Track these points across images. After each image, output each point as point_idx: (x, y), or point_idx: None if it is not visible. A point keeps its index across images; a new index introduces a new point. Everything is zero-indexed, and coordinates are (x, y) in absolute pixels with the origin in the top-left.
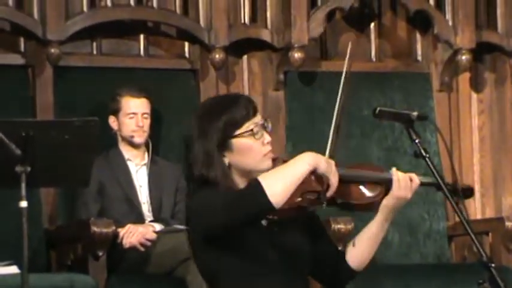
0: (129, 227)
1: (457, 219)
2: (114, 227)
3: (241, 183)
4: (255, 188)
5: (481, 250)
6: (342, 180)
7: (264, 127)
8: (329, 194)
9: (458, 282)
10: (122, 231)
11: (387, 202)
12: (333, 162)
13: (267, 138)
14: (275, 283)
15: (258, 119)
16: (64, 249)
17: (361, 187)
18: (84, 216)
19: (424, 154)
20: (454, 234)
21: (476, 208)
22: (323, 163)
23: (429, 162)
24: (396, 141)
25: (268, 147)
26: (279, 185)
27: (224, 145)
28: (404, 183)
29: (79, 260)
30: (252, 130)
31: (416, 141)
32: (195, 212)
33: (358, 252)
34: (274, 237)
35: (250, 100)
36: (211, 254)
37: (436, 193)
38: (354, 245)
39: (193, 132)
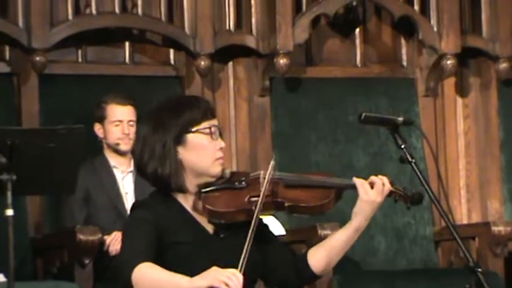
0: (115, 234)
1: (444, 224)
2: (100, 235)
3: (190, 183)
4: (128, 268)
5: (467, 255)
6: (291, 186)
7: (220, 132)
8: None
9: (445, 287)
10: (108, 239)
11: (358, 209)
12: (213, 269)
13: (222, 143)
14: None
15: (215, 122)
16: (50, 257)
17: (310, 191)
18: (70, 224)
19: (409, 159)
20: (440, 239)
21: (463, 213)
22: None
23: (415, 168)
24: (382, 147)
25: (221, 153)
26: (147, 284)
27: (180, 139)
28: (376, 186)
29: (65, 268)
30: (210, 129)
31: (402, 146)
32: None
33: (326, 258)
34: (220, 244)
35: (209, 103)
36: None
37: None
38: (320, 251)
39: (147, 127)
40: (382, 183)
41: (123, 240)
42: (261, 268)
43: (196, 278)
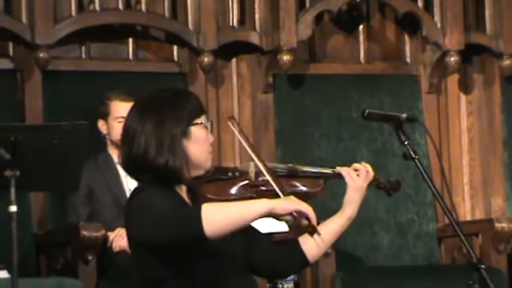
0: (119, 230)
1: (447, 220)
2: (103, 231)
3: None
4: (193, 213)
5: (470, 251)
6: (283, 176)
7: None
8: (314, 221)
9: (448, 284)
10: (111, 235)
11: (349, 197)
12: (291, 197)
13: (212, 138)
14: (221, 282)
15: (206, 116)
16: (54, 254)
17: (301, 180)
18: (73, 220)
19: (413, 156)
20: (443, 236)
21: (466, 209)
22: (279, 207)
23: (418, 164)
24: (385, 143)
25: (211, 148)
26: (220, 218)
27: (185, 131)
28: (361, 172)
29: (69, 264)
30: (210, 122)
31: (406, 143)
32: (131, 216)
33: (318, 246)
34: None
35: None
36: (148, 258)
37: (425, 194)
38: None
39: (149, 121)
40: (366, 170)
41: (151, 211)
42: (249, 258)
43: (281, 201)
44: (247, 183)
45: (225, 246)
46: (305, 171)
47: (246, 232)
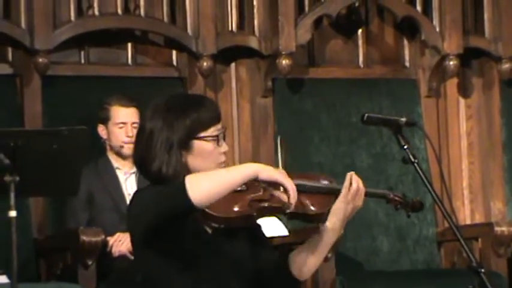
0: (118, 235)
1: (447, 224)
2: (103, 236)
3: None
4: (177, 184)
5: (470, 256)
6: (302, 190)
7: (223, 136)
8: (292, 200)
9: None
10: (111, 240)
11: (336, 208)
12: (281, 169)
13: (225, 147)
14: None
15: (221, 126)
16: (53, 259)
17: (315, 197)
18: (73, 225)
19: (412, 160)
20: (443, 240)
21: (466, 213)
22: (264, 172)
23: (418, 168)
24: (385, 147)
25: (223, 157)
26: (205, 185)
27: (186, 144)
28: (356, 190)
29: (68, 269)
30: (217, 136)
31: (405, 147)
32: (133, 214)
33: (309, 264)
34: (219, 245)
35: (216, 105)
36: (152, 260)
37: (425, 198)
38: (302, 257)
39: (155, 123)
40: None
41: (146, 201)
42: (255, 268)
43: (268, 168)
44: (253, 198)
45: (235, 256)
46: (320, 187)
47: (258, 244)
